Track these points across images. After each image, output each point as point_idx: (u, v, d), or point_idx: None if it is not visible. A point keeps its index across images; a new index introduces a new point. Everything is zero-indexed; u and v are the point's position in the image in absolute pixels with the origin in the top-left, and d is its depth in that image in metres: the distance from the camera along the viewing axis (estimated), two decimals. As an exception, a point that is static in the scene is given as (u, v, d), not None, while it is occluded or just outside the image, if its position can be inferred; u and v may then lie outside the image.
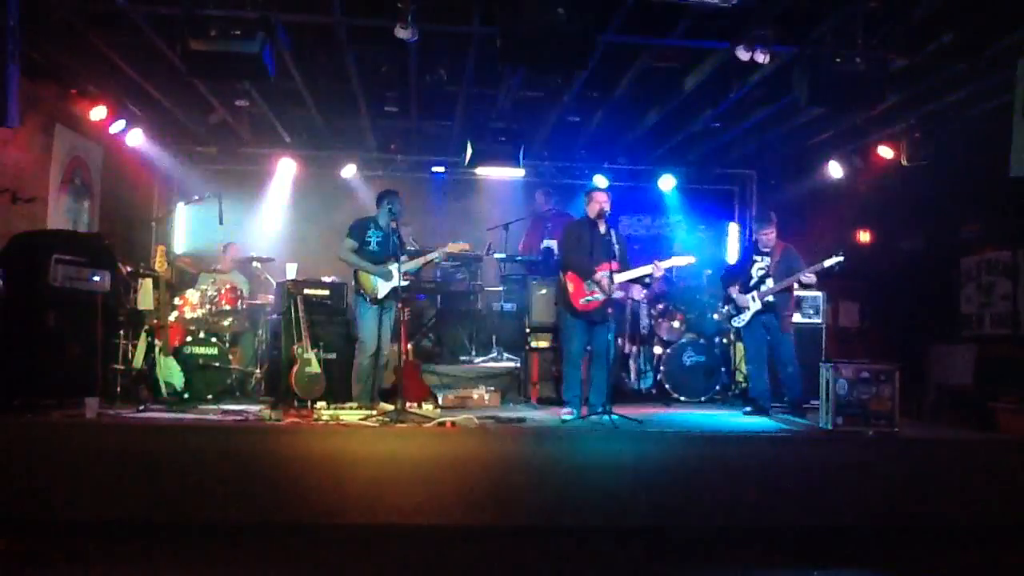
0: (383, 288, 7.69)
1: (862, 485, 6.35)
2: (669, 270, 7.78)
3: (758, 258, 8.12)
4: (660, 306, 9.75)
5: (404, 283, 7.66)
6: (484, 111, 9.94)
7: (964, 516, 6.31)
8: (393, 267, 7.64)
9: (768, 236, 8.10)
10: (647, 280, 7.73)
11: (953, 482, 6.41)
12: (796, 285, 7.94)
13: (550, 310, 9.05)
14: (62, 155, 8.96)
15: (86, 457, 5.92)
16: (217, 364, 8.21)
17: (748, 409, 8.27)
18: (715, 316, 9.79)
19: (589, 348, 7.59)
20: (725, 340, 9.79)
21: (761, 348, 8.10)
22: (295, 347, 7.70)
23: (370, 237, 7.80)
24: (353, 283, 7.85)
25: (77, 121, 8.94)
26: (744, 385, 9.84)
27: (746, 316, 8.10)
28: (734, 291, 8.24)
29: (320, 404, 7.43)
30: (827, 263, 7.65)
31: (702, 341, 9.43)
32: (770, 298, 7.94)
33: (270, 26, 6.56)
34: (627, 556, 5.64)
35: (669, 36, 7.23)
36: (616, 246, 7.52)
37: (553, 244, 10.17)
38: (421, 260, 8.01)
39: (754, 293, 8.04)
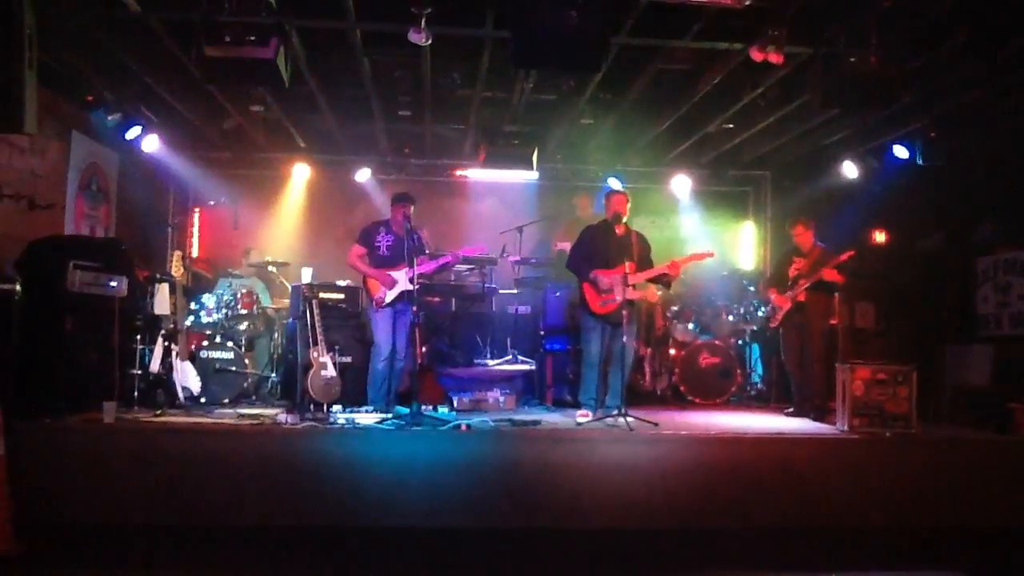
0: (389, 294, 7.70)
1: (879, 486, 6.33)
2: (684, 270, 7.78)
3: (796, 259, 8.19)
4: (675, 308, 9.74)
5: (416, 286, 7.65)
6: (497, 114, 9.95)
7: (982, 517, 6.28)
8: (398, 272, 7.65)
9: (802, 239, 8.17)
10: (665, 280, 7.75)
11: (971, 483, 6.38)
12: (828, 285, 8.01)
13: (565, 313, 9.06)
14: (79, 161, 9.02)
15: (104, 461, 5.97)
16: (233, 368, 8.25)
17: (790, 410, 8.30)
18: (729, 317, 9.78)
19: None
20: (740, 341, 9.77)
21: (796, 349, 8.14)
22: (311, 351, 7.72)
23: (379, 241, 7.80)
24: (364, 288, 7.87)
25: (93, 127, 8.99)
26: (760, 386, 9.84)
27: (779, 316, 8.16)
28: (772, 293, 8.30)
29: (336, 407, 7.47)
30: (840, 259, 7.80)
31: (717, 343, 9.41)
32: (800, 297, 7.98)
33: (284, 32, 6.59)
34: (643, 558, 5.64)
35: (682, 38, 7.23)
36: (635, 248, 7.55)
37: (567, 246, 10.17)
38: (433, 265, 8.02)
39: (788, 293, 8.07)
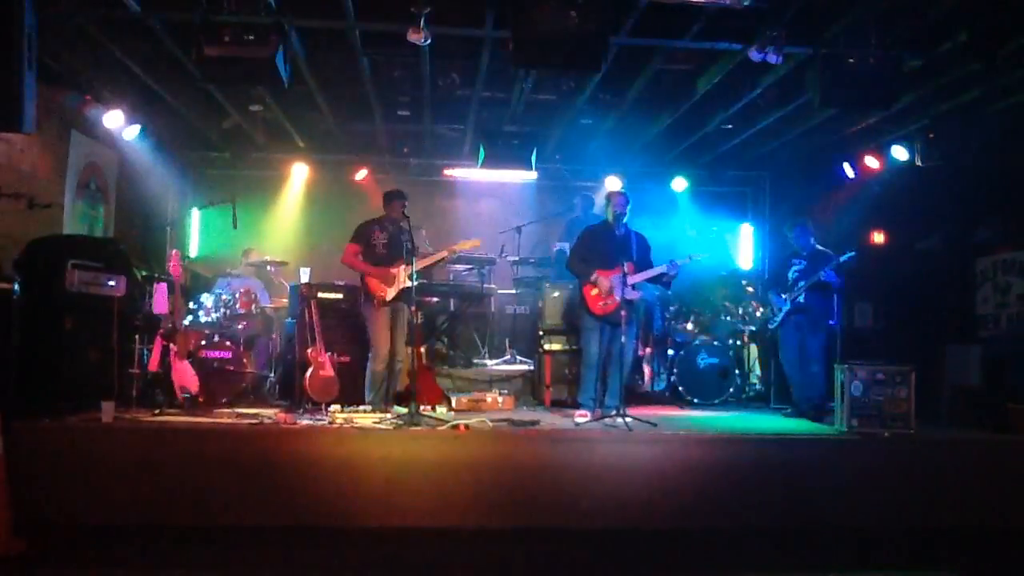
0: (390, 291, 7.69)
1: (877, 487, 6.33)
2: (682, 269, 7.77)
3: (795, 261, 8.22)
4: (673, 308, 9.73)
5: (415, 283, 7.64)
6: (497, 114, 9.95)
7: (980, 518, 6.28)
8: (397, 269, 7.65)
9: (801, 241, 8.20)
10: (665, 280, 7.76)
11: (969, 483, 6.39)
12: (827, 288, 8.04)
13: (563, 313, 9.05)
14: (78, 161, 9.00)
15: (103, 461, 5.96)
16: (232, 368, 8.23)
17: (788, 411, 8.31)
18: (728, 318, 9.76)
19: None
20: (739, 342, 9.76)
21: (795, 350, 8.15)
22: (309, 350, 7.72)
23: (376, 239, 7.79)
24: (361, 287, 7.85)
25: (92, 127, 8.98)
26: (758, 387, 9.84)
27: (778, 317, 8.18)
28: (771, 294, 8.32)
29: (334, 407, 7.47)
30: (841, 260, 7.82)
31: (716, 343, 9.40)
32: (800, 298, 7.99)
33: (284, 32, 6.58)
34: (642, 558, 5.64)
35: (682, 38, 7.23)
36: (635, 248, 7.55)
37: (566, 247, 10.18)
38: (429, 260, 8.00)
39: (787, 295, 8.09)
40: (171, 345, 7.54)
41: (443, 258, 8.15)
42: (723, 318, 9.76)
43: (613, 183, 11.21)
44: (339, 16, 6.88)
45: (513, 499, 6.08)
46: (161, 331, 7.62)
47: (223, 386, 8.14)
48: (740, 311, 9.78)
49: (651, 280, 7.76)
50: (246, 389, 8.44)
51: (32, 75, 5.65)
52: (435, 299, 10.06)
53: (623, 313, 7.24)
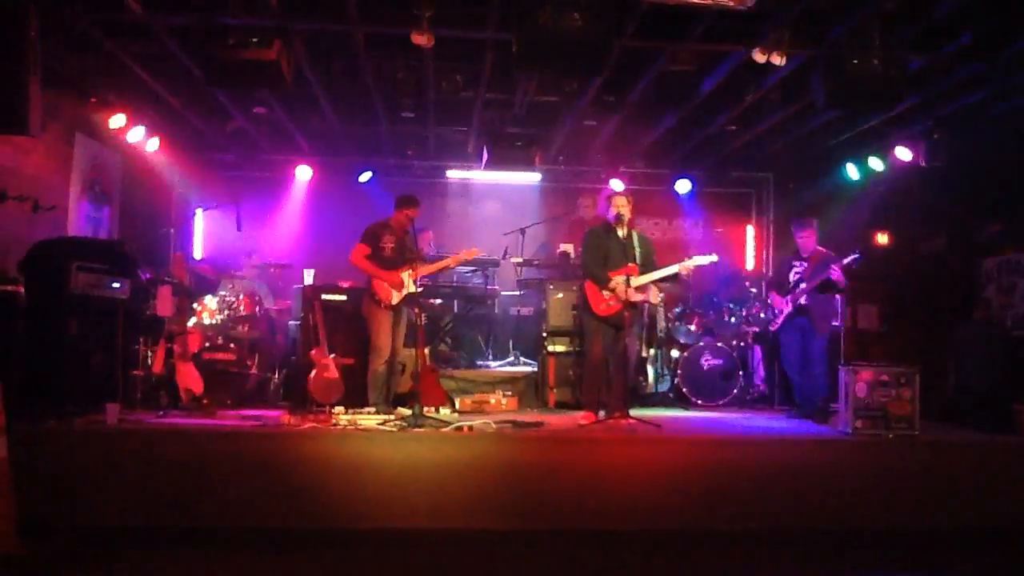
0: (397, 295, 7.72)
1: (881, 488, 6.32)
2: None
3: (796, 263, 8.19)
4: (677, 309, 9.72)
5: (419, 288, 7.67)
6: (500, 116, 9.95)
7: (986, 519, 6.27)
8: (406, 274, 7.68)
9: (805, 242, 8.16)
10: (671, 281, 7.76)
11: (974, 485, 6.37)
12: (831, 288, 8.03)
13: (567, 314, 9.05)
14: (82, 163, 9.03)
15: (107, 462, 5.97)
16: (236, 370, 8.25)
17: (792, 412, 8.31)
18: (731, 319, 9.76)
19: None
20: (743, 343, 9.75)
21: (797, 352, 8.14)
22: (313, 352, 7.73)
23: (384, 242, 7.81)
24: (367, 288, 7.87)
25: (97, 130, 9.01)
26: (762, 388, 9.83)
27: (779, 319, 8.17)
28: (773, 296, 8.31)
29: (338, 409, 7.47)
30: (845, 261, 7.75)
31: (720, 344, 9.39)
32: (802, 301, 7.99)
33: (288, 34, 6.60)
34: (644, 561, 5.63)
35: (685, 39, 7.23)
36: (637, 249, 7.54)
37: (569, 248, 10.19)
38: (433, 267, 8.03)
39: (788, 297, 8.08)
40: (175, 347, 7.56)
41: (446, 266, 8.20)
42: (727, 319, 9.75)
43: (616, 184, 11.21)
44: (343, 19, 6.90)
45: (517, 501, 6.08)
46: (165, 333, 7.64)
47: (227, 388, 8.15)
48: (744, 312, 9.78)
49: (658, 281, 7.75)
50: (250, 391, 8.46)
51: (37, 79, 5.68)
52: (439, 301, 10.08)
53: (626, 315, 7.23)
